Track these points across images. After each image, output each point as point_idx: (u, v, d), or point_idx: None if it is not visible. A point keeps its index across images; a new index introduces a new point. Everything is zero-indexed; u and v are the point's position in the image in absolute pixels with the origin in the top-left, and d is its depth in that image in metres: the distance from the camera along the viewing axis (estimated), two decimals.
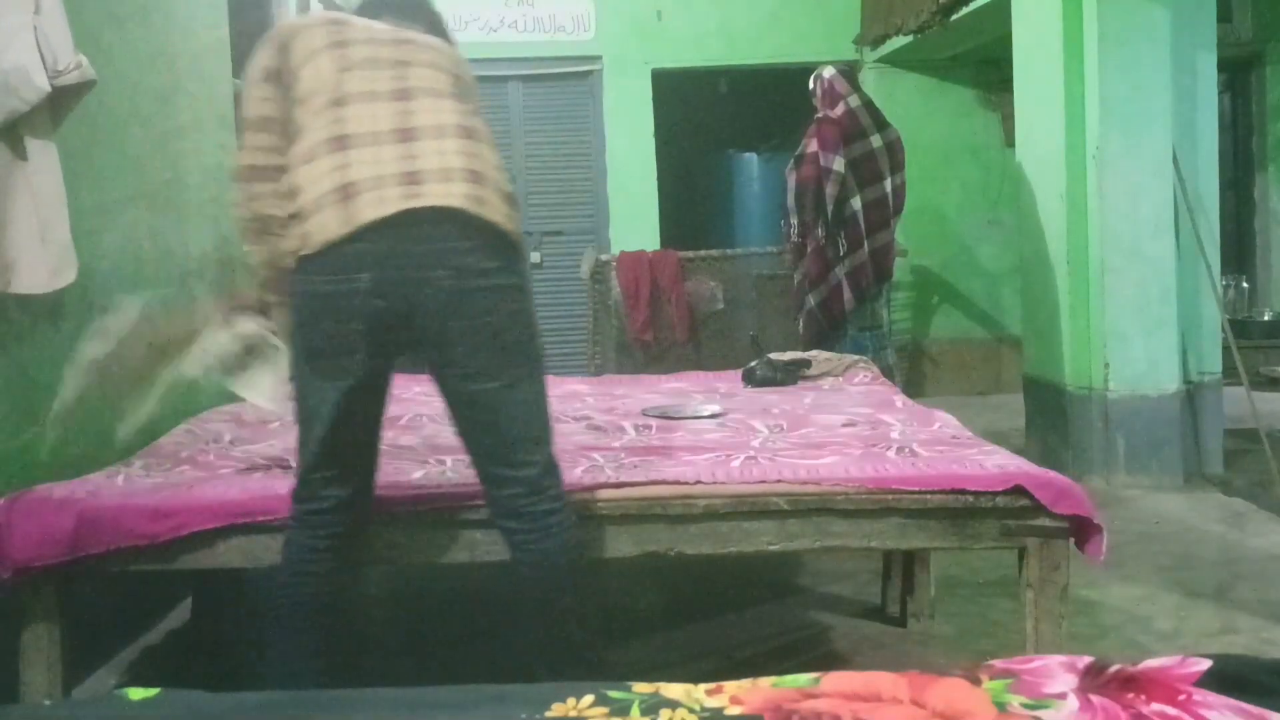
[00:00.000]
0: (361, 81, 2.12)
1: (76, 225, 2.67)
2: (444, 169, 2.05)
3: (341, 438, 2.07)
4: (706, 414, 3.09)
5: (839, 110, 5.14)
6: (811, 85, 5.33)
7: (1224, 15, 6.51)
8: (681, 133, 9.28)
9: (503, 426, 2.05)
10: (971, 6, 6.18)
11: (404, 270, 1.97)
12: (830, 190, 5.12)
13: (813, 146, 5.06)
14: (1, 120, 2.48)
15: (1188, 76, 4.87)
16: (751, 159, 9.00)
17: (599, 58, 8.31)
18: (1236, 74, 8.18)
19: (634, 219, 8.26)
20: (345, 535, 2.14)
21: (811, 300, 5.19)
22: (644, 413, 3.14)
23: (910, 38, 7.00)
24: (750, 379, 3.86)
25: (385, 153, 2.03)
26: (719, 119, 9.87)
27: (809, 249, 5.14)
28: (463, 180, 2.04)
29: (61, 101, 2.61)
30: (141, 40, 3.61)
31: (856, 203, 5.18)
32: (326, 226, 1.96)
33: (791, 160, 5.17)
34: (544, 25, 8.25)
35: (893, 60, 7.85)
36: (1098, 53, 4.75)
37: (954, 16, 6.33)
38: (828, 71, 5.33)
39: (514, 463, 2.06)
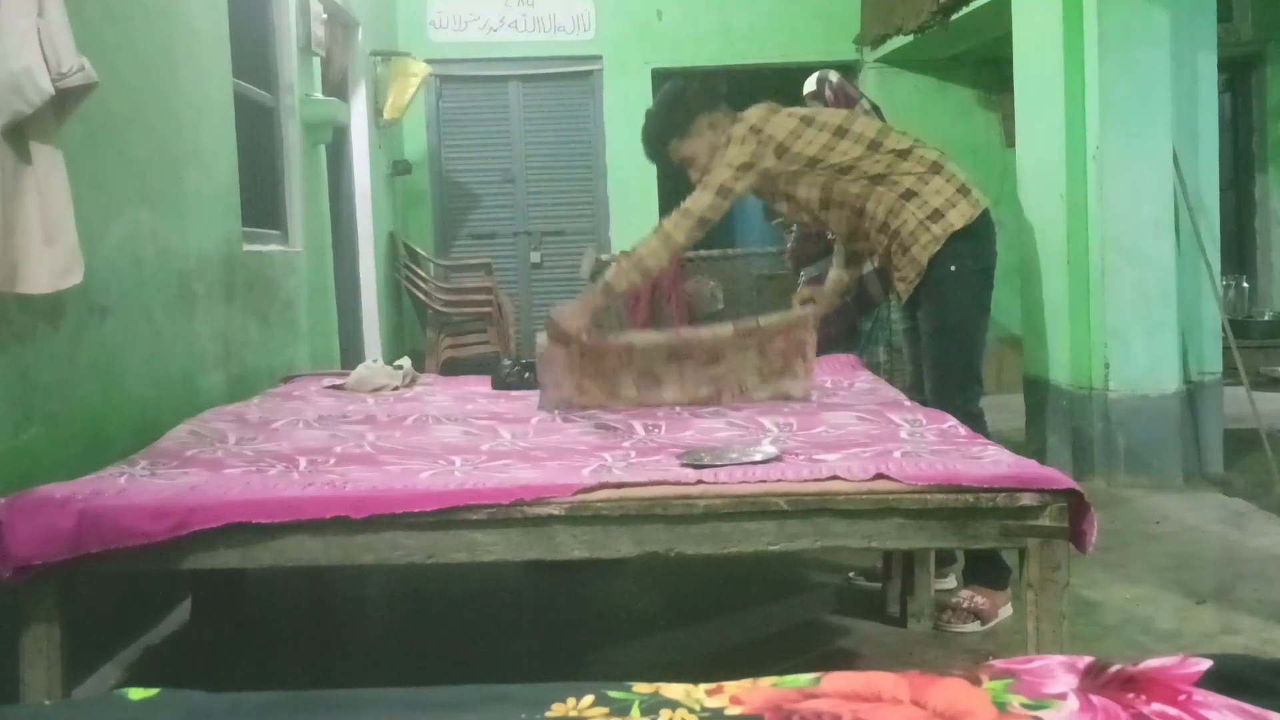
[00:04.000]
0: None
1: (77, 225, 2.68)
2: None
3: None
4: (759, 458, 2.45)
5: (858, 111, 5.14)
6: (814, 87, 5.30)
7: (1224, 15, 6.51)
8: None
9: None
10: (971, 6, 6.19)
11: None
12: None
13: None
14: (6, 122, 2.49)
15: (1188, 76, 4.87)
16: None
17: (599, 58, 8.31)
18: (1236, 74, 8.18)
19: (634, 219, 8.25)
20: None
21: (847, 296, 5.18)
22: (681, 462, 2.47)
23: (910, 38, 7.00)
24: (499, 384, 3.81)
25: None
26: None
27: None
28: None
29: (65, 104, 2.62)
30: (141, 40, 3.62)
31: None
32: None
33: None
34: (544, 25, 8.26)
35: (893, 60, 7.85)
36: (1098, 53, 4.74)
37: (954, 16, 6.34)
38: (834, 75, 5.33)
39: None
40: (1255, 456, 4.88)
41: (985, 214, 3.33)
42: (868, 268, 5.21)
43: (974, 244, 3.31)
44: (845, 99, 5.24)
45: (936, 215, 3.26)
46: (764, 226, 8.18)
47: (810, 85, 5.36)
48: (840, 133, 3.32)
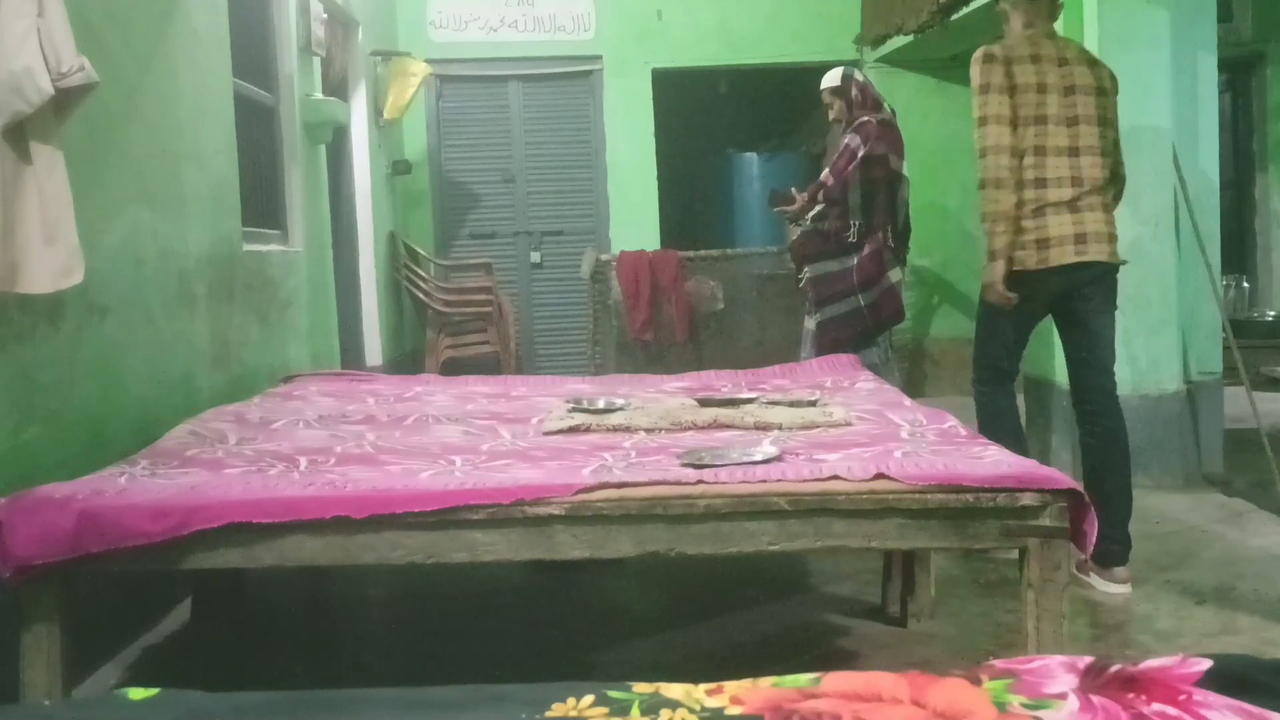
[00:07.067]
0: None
1: (77, 225, 2.68)
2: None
3: None
4: (759, 458, 2.46)
5: (887, 114, 5.14)
6: (838, 83, 5.27)
7: (1224, 15, 6.51)
8: (681, 133, 9.28)
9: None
10: (971, 6, 6.18)
11: None
12: (904, 194, 5.13)
13: (880, 149, 5.03)
14: (6, 122, 2.49)
15: (1188, 77, 4.87)
16: (751, 159, 9.00)
17: (599, 57, 8.31)
18: (1236, 74, 8.18)
19: (634, 219, 8.26)
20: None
21: (861, 300, 5.16)
22: (682, 462, 2.47)
23: (910, 38, 6.99)
24: None
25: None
26: (719, 119, 9.87)
27: (866, 250, 5.11)
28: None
29: (65, 104, 2.62)
30: (141, 40, 3.62)
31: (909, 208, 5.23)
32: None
33: (850, 158, 5.12)
34: (544, 25, 8.25)
35: (893, 60, 7.85)
36: (1098, 53, 4.73)
37: (954, 16, 6.33)
38: (859, 73, 5.32)
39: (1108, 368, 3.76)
40: (1255, 456, 4.87)
41: None
42: (896, 276, 5.21)
43: None
44: (872, 101, 5.24)
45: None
46: (764, 226, 8.19)
47: (833, 80, 5.31)
48: None
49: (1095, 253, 3.58)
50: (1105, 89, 3.68)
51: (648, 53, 8.28)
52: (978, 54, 3.67)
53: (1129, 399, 4.78)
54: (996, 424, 3.63)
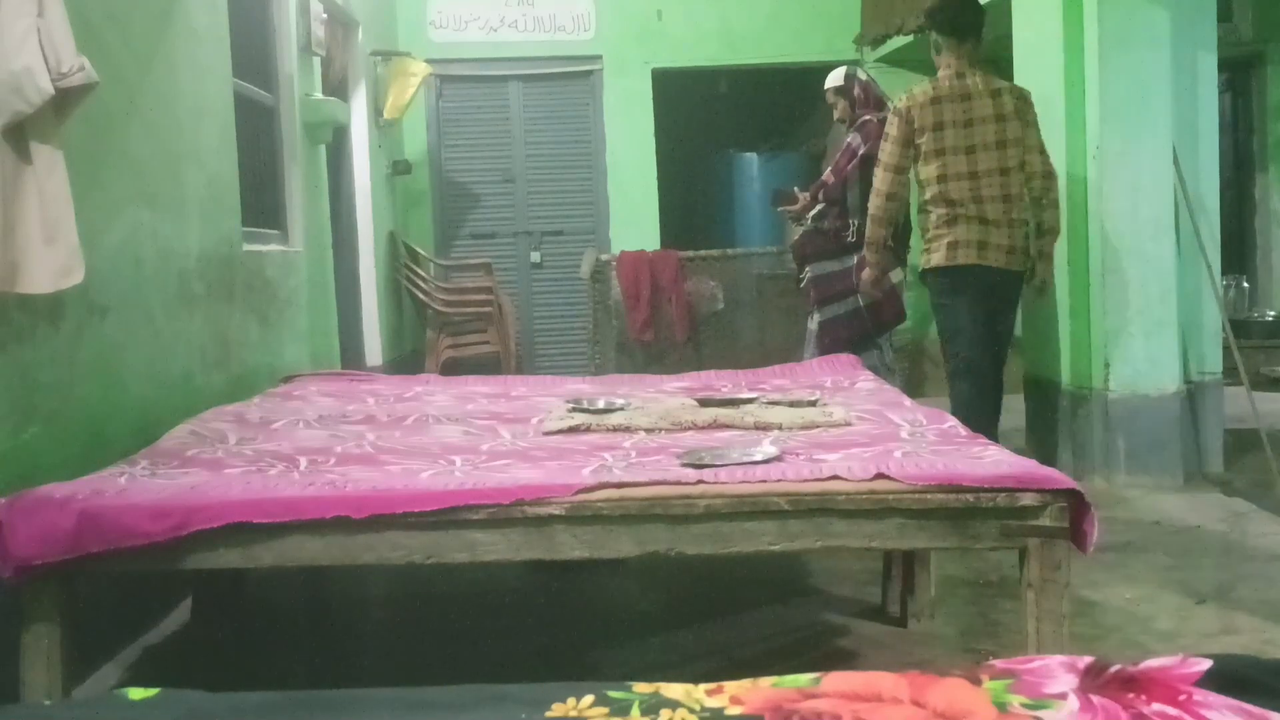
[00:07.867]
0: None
1: (77, 225, 2.67)
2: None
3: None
4: (759, 458, 2.45)
5: (886, 114, 5.14)
6: (841, 82, 5.27)
7: (1224, 15, 6.51)
8: (681, 133, 9.28)
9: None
10: None
11: None
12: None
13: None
14: (6, 123, 2.49)
15: (1188, 77, 4.87)
16: (751, 159, 9.00)
17: (599, 57, 8.31)
18: (1236, 74, 8.17)
19: (634, 219, 8.26)
20: None
21: (861, 301, 5.16)
22: (682, 462, 2.45)
23: (910, 38, 6.99)
24: None
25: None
26: (719, 119, 9.86)
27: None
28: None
29: (65, 104, 2.62)
30: (141, 40, 3.62)
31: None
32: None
33: (851, 156, 5.09)
34: (544, 25, 8.25)
35: (893, 60, 7.85)
36: (1098, 53, 4.74)
37: None
38: (862, 73, 5.32)
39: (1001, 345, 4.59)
40: (1255, 456, 4.88)
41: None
42: (897, 276, 5.21)
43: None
44: (875, 101, 5.24)
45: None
46: (764, 226, 8.19)
47: (836, 80, 5.31)
48: None
49: (994, 260, 4.41)
50: (1005, 114, 4.38)
51: (648, 53, 8.29)
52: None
53: (1129, 399, 4.79)
54: (962, 415, 3.81)
